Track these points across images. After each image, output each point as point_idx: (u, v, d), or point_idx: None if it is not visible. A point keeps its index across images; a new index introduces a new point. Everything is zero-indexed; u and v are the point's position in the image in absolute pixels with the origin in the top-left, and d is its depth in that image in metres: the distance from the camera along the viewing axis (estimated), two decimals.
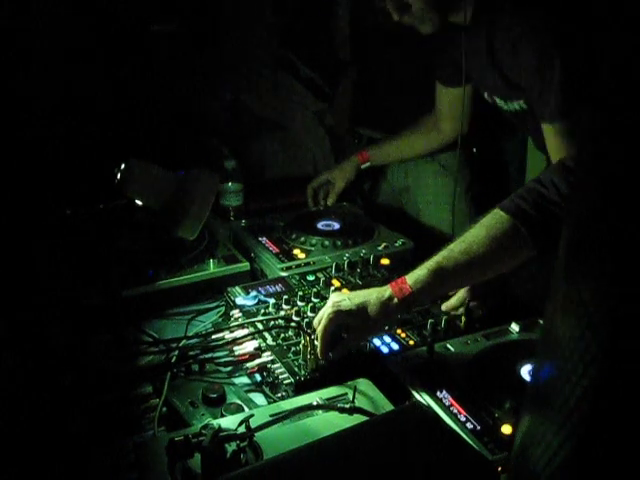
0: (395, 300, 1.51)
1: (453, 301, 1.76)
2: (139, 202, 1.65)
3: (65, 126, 2.25)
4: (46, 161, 2.10)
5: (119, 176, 1.62)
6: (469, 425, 1.33)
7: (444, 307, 1.78)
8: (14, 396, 1.51)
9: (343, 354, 1.54)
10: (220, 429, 1.23)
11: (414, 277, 1.53)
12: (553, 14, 1.70)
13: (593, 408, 0.65)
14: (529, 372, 1.47)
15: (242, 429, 1.24)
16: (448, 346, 1.59)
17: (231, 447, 1.22)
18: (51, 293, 1.86)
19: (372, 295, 1.54)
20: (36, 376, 1.59)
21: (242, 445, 1.23)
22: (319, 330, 1.52)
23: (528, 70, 1.76)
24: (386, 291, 1.53)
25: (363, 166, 2.54)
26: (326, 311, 1.52)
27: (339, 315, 1.50)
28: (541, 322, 1.69)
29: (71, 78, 2.34)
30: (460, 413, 1.36)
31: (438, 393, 1.42)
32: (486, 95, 2.05)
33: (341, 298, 1.53)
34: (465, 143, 2.47)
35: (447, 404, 1.39)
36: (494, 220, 1.53)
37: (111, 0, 2.56)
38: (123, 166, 1.62)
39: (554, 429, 0.68)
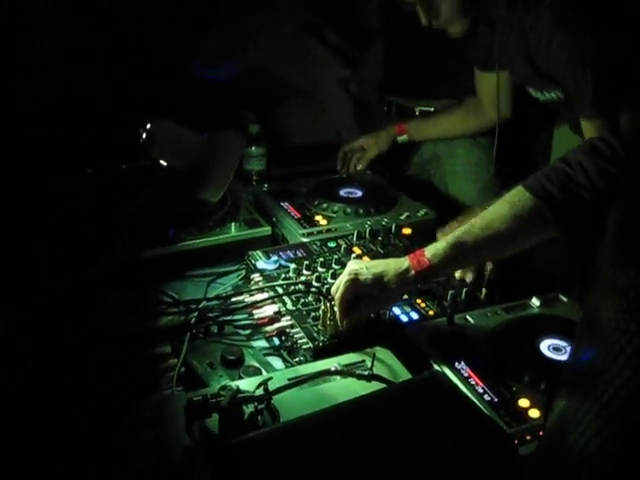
0: (412, 272, 1.50)
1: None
2: (163, 162, 1.65)
3: (92, 86, 2.24)
4: (72, 120, 2.09)
5: (144, 136, 1.62)
6: (486, 397, 1.33)
7: (458, 274, 1.77)
8: (35, 353, 1.53)
9: (359, 322, 1.54)
10: (238, 390, 1.24)
11: (433, 250, 1.51)
12: (587, 10, 1.66)
13: (635, 395, 0.65)
14: (549, 347, 1.47)
15: (260, 391, 1.25)
16: (468, 317, 1.59)
17: (249, 409, 1.23)
18: (71, 252, 1.87)
19: (390, 266, 1.53)
20: (55, 334, 1.60)
21: (260, 407, 1.24)
22: (336, 298, 1.52)
23: (562, 65, 1.71)
24: (404, 262, 1.52)
25: (400, 139, 2.51)
26: (343, 279, 1.52)
27: (356, 284, 1.50)
28: (562, 297, 1.68)
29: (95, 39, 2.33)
30: (478, 385, 1.36)
31: (456, 364, 1.42)
32: (517, 81, 2.02)
33: (359, 267, 1.53)
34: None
35: (465, 375, 1.39)
36: (517, 198, 1.51)
37: None
38: (149, 126, 1.62)
39: (593, 412, 0.68)
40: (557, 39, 1.69)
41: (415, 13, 2.37)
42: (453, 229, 1.68)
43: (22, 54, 2.13)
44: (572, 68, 1.68)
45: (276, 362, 1.55)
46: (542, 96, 1.93)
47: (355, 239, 1.97)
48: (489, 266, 1.76)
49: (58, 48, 2.25)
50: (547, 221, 1.47)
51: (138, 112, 1.73)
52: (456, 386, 1.30)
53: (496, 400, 1.32)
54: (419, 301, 1.68)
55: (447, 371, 1.40)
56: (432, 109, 2.56)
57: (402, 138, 2.51)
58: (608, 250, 0.68)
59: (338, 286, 1.53)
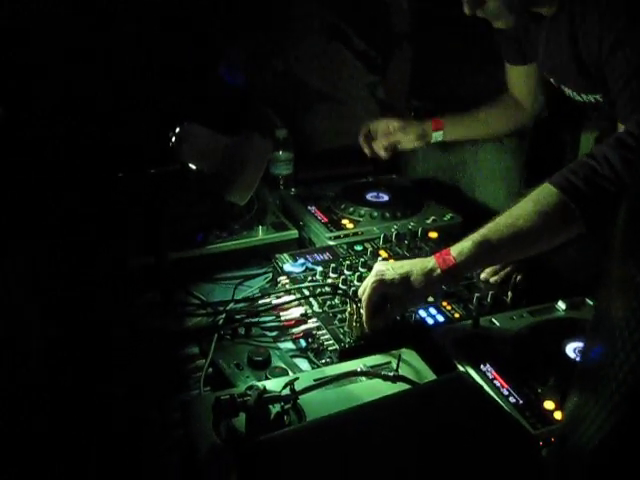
0: (438, 271, 1.51)
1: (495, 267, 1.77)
2: (192, 166, 1.67)
3: (123, 90, 2.27)
4: (101, 123, 2.13)
5: (173, 140, 1.64)
6: (511, 399, 1.33)
7: (484, 275, 1.78)
8: (59, 358, 1.56)
9: (386, 323, 1.55)
10: (265, 390, 1.25)
11: (458, 249, 1.52)
12: None
13: (634, 387, 0.66)
14: (575, 350, 1.47)
15: (286, 391, 1.26)
16: (493, 320, 1.59)
17: (275, 409, 1.24)
18: (102, 254, 1.90)
19: (416, 265, 1.54)
20: (86, 334, 1.63)
21: (286, 407, 1.25)
22: (363, 299, 1.53)
23: (611, 71, 1.67)
24: (430, 262, 1.53)
25: (435, 134, 2.32)
26: (370, 280, 1.53)
27: (382, 284, 1.51)
28: (589, 301, 1.67)
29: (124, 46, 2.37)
30: (503, 387, 1.37)
31: (482, 366, 1.43)
32: (553, 81, 1.98)
33: (385, 268, 1.54)
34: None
35: (490, 377, 1.39)
36: (542, 194, 1.50)
37: None
38: (178, 130, 1.64)
39: (600, 405, 0.69)
40: (609, 44, 1.64)
41: (444, 18, 2.37)
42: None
43: (48, 56, 2.17)
44: (624, 77, 1.63)
45: (302, 364, 1.56)
46: (579, 97, 1.89)
47: (381, 242, 1.98)
48: (519, 275, 1.76)
49: (77, 50, 2.29)
50: (573, 216, 1.46)
51: (168, 116, 1.76)
52: (481, 387, 1.31)
53: (521, 402, 1.33)
54: (445, 304, 1.69)
55: (472, 373, 1.40)
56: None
57: (437, 134, 2.33)
58: (617, 247, 0.68)
59: (365, 287, 1.54)
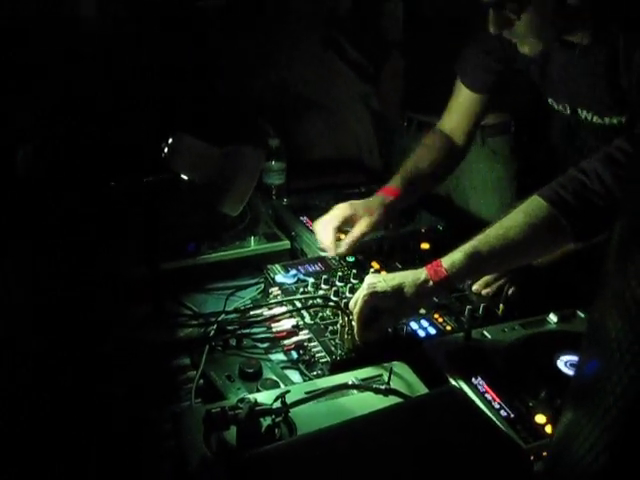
0: (430, 283, 1.52)
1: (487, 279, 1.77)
2: (184, 176, 1.67)
3: (113, 101, 2.27)
4: (94, 134, 2.12)
5: (166, 150, 1.64)
6: (503, 413, 1.33)
7: (475, 286, 1.78)
8: (54, 365, 1.55)
9: (378, 336, 1.55)
10: (256, 403, 1.25)
11: (450, 260, 1.53)
12: None
13: (633, 401, 0.66)
14: (567, 363, 1.47)
15: (278, 404, 1.26)
16: (485, 333, 1.59)
17: (266, 422, 1.24)
18: (93, 264, 1.90)
19: (408, 277, 1.54)
20: (75, 345, 1.62)
21: (277, 420, 1.25)
22: (355, 312, 1.53)
23: None
24: (422, 273, 1.54)
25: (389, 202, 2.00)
26: (361, 293, 1.53)
27: (374, 297, 1.51)
28: (580, 314, 1.68)
29: (123, 60, 2.37)
30: (494, 400, 1.37)
31: (473, 379, 1.42)
32: (567, 106, 1.89)
33: (376, 280, 1.54)
34: (517, 130, 2.46)
35: (482, 390, 1.39)
36: (533, 207, 1.52)
37: None
38: (170, 140, 1.64)
39: (594, 421, 0.69)
40: None
41: (436, 28, 2.37)
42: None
43: (47, 56, 2.17)
44: None
45: (294, 375, 1.56)
46: (601, 120, 1.80)
47: (374, 253, 1.98)
48: (510, 287, 1.77)
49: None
50: (563, 229, 1.48)
51: (160, 126, 1.76)
52: (472, 401, 1.31)
53: (512, 416, 1.33)
54: (437, 316, 1.69)
55: (464, 386, 1.40)
56: None
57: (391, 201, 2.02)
58: (611, 262, 0.69)
59: (356, 300, 1.54)
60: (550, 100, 1.93)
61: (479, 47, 1.98)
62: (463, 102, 2.08)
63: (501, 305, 1.73)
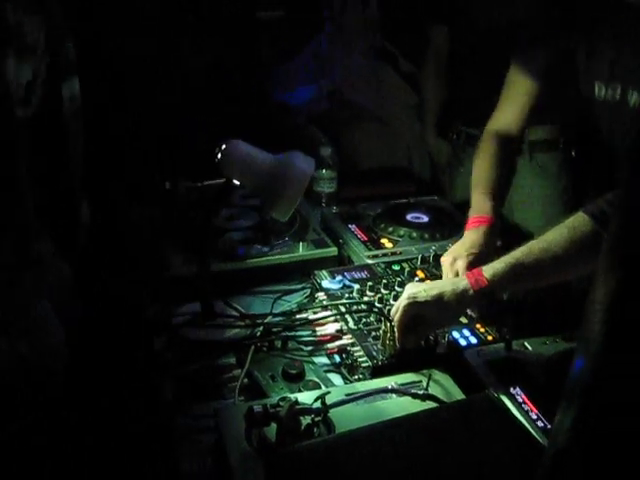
0: (471, 292, 1.54)
1: None
2: (237, 182, 1.72)
3: (174, 107, 2.35)
4: (153, 139, 2.20)
5: (220, 156, 1.69)
6: (540, 423, 1.34)
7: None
8: (107, 360, 1.61)
9: (418, 343, 1.58)
10: (297, 402, 1.30)
11: (492, 270, 1.55)
12: None
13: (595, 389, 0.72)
14: None
15: (318, 404, 1.30)
16: (526, 344, 1.61)
17: (306, 420, 1.28)
18: (146, 262, 1.96)
19: (447, 286, 1.56)
20: (128, 341, 1.68)
21: (316, 419, 1.29)
22: (395, 320, 1.55)
23: None
24: (462, 282, 1.56)
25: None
26: (402, 302, 1.55)
27: (415, 306, 1.54)
28: None
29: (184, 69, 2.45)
30: (532, 411, 1.38)
31: (512, 389, 1.44)
32: (618, 89, 1.75)
33: (417, 290, 1.56)
34: (565, 145, 2.45)
35: (520, 401, 1.40)
36: (577, 223, 1.53)
37: None
38: (224, 146, 1.70)
39: (571, 412, 0.74)
40: None
41: (482, 41, 2.35)
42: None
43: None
44: None
45: (335, 379, 1.59)
46: None
47: (419, 263, 2.00)
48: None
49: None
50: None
51: (216, 133, 1.81)
52: (508, 408, 1.33)
53: (549, 427, 1.34)
54: (478, 326, 1.70)
55: (502, 395, 1.42)
56: None
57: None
58: (602, 260, 0.72)
59: (397, 308, 1.56)
60: (597, 86, 1.79)
61: (532, 31, 1.94)
62: (518, 91, 2.00)
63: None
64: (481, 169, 1.99)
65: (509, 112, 2.01)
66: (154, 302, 1.83)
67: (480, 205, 1.89)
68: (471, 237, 1.83)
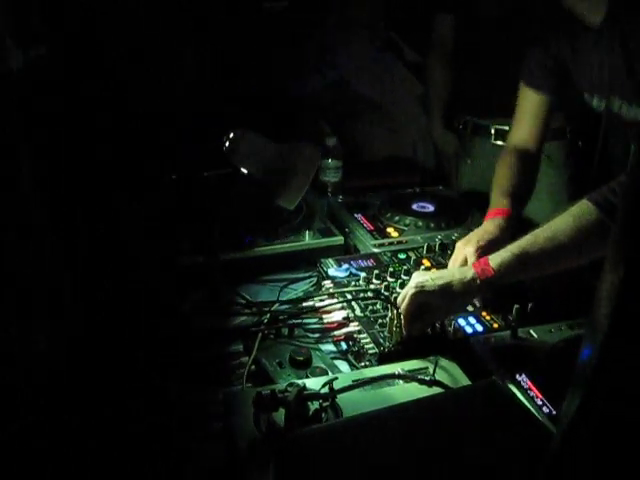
0: (478, 281, 1.55)
1: None
2: (244, 170, 1.73)
3: (178, 98, 2.36)
4: (159, 129, 2.21)
5: (227, 144, 1.70)
6: (545, 409, 1.36)
7: None
8: (118, 347, 1.63)
9: (425, 330, 1.60)
10: (305, 388, 1.31)
11: (498, 259, 1.56)
12: None
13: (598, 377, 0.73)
14: None
15: (325, 390, 1.32)
16: (531, 332, 1.62)
17: (314, 406, 1.30)
18: (155, 251, 1.98)
19: (455, 275, 1.58)
20: (135, 326, 1.70)
21: (324, 405, 1.30)
22: (402, 308, 1.57)
23: None
24: (469, 271, 1.57)
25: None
26: (409, 291, 1.56)
27: (422, 295, 1.55)
28: None
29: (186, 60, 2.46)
30: (537, 397, 1.39)
31: (517, 376, 1.45)
32: (599, 100, 1.92)
33: (424, 278, 1.58)
34: (572, 135, 2.46)
35: (525, 387, 1.42)
36: (582, 211, 1.55)
37: None
38: (231, 135, 1.71)
39: (578, 396, 0.76)
40: None
41: (488, 30, 2.37)
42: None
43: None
44: None
45: (342, 366, 1.61)
46: (631, 113, 1.82)
47: (425, 252, 2.01)
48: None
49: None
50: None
51: (222, 122, 1.82)
52: (514, 393, 1.34)
53: (554, 413, 1.35)
54: (484, 314, 1.72)
55: (508, 382, 1.43)
56: (507, 127, 2.57)
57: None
58: (610, 252, 0.73)
59: (404, 296, 1.58)
60: (586, 96, 1.94)
61: (539, 48, 2.00)
62: (531, 108, 2.07)
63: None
64: (500, 179, 2.05)
65: (524, 129, 2.09)
66: (163, 290, 1.84)
67: (497, 202, 1.96)
68: (486, 226, 1.88)
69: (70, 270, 1.68)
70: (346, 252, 2.13)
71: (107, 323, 1.70)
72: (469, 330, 1.66)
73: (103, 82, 2.19)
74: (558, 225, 1.56)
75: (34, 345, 1.50)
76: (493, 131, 2.62)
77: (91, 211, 1.87)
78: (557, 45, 1.94)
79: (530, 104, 2.07)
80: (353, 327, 1.68)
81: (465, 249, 1.77)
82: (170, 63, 2.47)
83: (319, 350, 1.65)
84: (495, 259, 1.56)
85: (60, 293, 1.64)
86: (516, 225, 1.90)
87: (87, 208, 1.86)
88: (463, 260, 1.75)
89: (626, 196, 0.77)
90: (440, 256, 2.00)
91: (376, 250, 2.04)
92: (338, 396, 1.33)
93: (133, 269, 1.87)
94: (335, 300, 1.76)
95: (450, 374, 1.46)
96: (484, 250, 1.73)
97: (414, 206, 2.33)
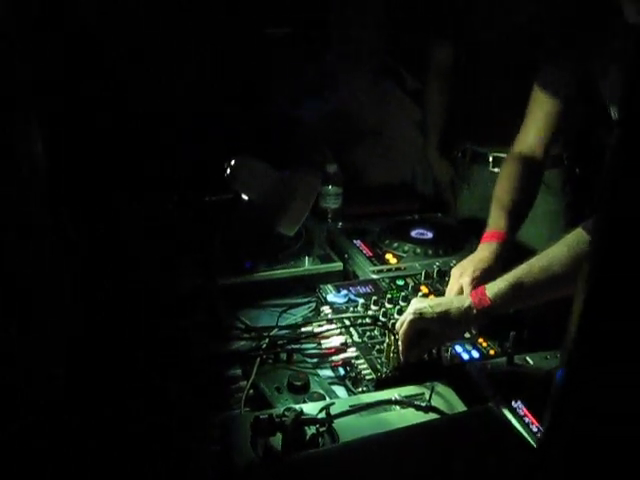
0: (474, 310, 1.58)
1: None
2: (245, 196, 1.76)
3: (181, 122, 2.38)
4: (161, 153, 2.23)
5: (228, 171, 1.73)
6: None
7: None
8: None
9: (421, 357, 1.61)
10: (302, 413, 1.32)
11: (494, 290, 1.59)
12: None
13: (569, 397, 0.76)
14: None
15: (322, 415, 1.33)
16: (528, 359, 1.63)
17: (310, 430, 1.31)
18: (153, 276, 1.99)
19: (453, 304, 1.60)
20: (136, 350, 1.71)
21: (321, 430, 1.31)
22: (400, 334, 1.59)
23: None
24: (466, 300, 1.59)
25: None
26: (408, 317, 1.58)
27: (420, 321, 1.57)
28: None
29: (185, 79, 2.49)
30: (533, 424, 1.40)
31: (513, 403, 1.46)
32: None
33: (422, 305, 1.60)
34: (570, 162, 2.48)
35: (521, 414, 1.43)
36: (577, 240, 1.58)
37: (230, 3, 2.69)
38: (233, 162, 1.74)
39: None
40: None
41: (487, 57, 2.37)
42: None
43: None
44: None
45: (340, 391, 1.62)
46: None
47: (423, 278, 2.03)
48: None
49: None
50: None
51: (225, 148, 1.85)
52: (509, 421, 1.35)
53: None
54: (481, 340, 1.73)
55: (504, 409, 1.44)
56: (505, 155, 2.59)
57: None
58: (582, 272, 0.75)
59: (402, 322, 1.60)
60: (613, 110, 1.86)
61: (558, 59, 1.96)
62: (542, 114, 2.02)
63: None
64: (503, 188, 2.03)
65: (532, 134, 2.04)
66: (162, 313, 1.86)
67: (496, 220, 1.95)
68: (481, 253, 1.87)
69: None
70: (345, 278, 2.15)
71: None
72: (465, 356, 1.67)
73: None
74: (553, 254, 1.58)
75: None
76: (491, 159, 2.63)
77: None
78: (583, 57, 1.88)
79: (541, 110, 2.02)
80: (351, 353, 1.69)
81: (461, 279, 1.78)
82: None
83: (317, 375, 1.66)
84: (492, 289, 1.58)
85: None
86: (511, 248, 1.91)
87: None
88: (459, 290, 1.76)
89: (595, 226, 0.80)
90: (438, 283, 2.01)
91: (375, 276, 2.05)
92: (335, 421, 1.34)
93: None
94: (333, 326, 1.78)
95: (446, 400, 1.47)
96: (479, 279, 1.74)
97: (413, 233, 2.34)
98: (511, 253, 2.03)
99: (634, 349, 0.71)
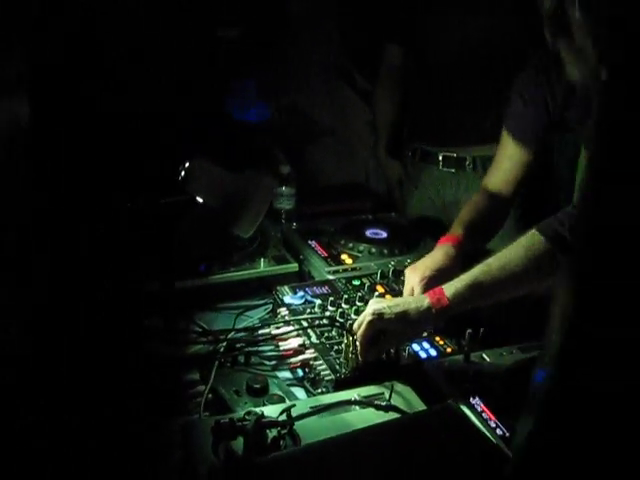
0: (433, 310, 1.60)
1: None
2: (200, 199, 1.75)
3: (136, 126, 2.36)
4: (115, 157, 2.20)
5: (183, 174, 1.72)
6: (498, 431, 1.39)
7: None
8: (72, 375, 1.61)
9: (380, 356, 1.62)
10: (263, 416, 1.32)
11: (452, 290, 1.61)
12: None
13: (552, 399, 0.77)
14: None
15: (283, 417, 1.33)
16: (484, 356, 1.66)
17: (272, 433, 1.31)
18: (108, 279, 1.96)
19: (411, 304, 1.62)
20: (91, 356, 1.68)
21: (282, 432, 1.31)
22: (359, 334, 1.59)
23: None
24: (424, 300, 1.61)
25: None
26: (366, 317, 1.59)
27: (379, 322, 1.58)
28: None
29: (140, 83, 2.46)
30: (490, 419, 1.42)
31: (471, 399, 1.48)
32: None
33: (381, 305, 1.61)
34: None
35: (479, 410, 1.45)
36: (532, 242, 1.63)
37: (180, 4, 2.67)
38: (187, 165, 1.72)
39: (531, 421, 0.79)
40: None
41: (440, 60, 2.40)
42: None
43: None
44: None
45: (299, 392, 1.62)
46: None
47: (379, 278, 2.04)
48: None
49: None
50: (560, 264, 1.55)
51: (178, 151, 1.84)
52: (467, 416, 1.37)
53: (508, 434, 1.38)
54: (437, 338, 1.75)
55: (462, 405, 1.46)
56: (454, 155, 2.62)
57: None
58: (559, 280, 0.77)
59: (361, 323, 1.60)
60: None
61: (524, 97, 1.93)
62: (509, 155, 2.01)
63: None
64: (463, 213, 2.05)
65: (500, 175, 2.04)
66: (118, 318, 1.83)
67: (454, 228, 1.97)
68: (434, 253, 1.90)
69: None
70: (301, 279, 2.15)
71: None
72: (423, 355, 1.69)
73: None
74: (510, 255, 1.63)
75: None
76: (441, 158, 2.66)
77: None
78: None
79: (509, 151, 2.01)
80: (309, 354, 1.69)
81: (413, 278, 1.80)
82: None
83: (276, 377, 1.65)
84: (449, 289, 1.61)
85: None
86: (467, 254, 1.91)
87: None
88: (412, 289, 1.78)
89: (576, 231, 0.82)
90: (394, 282, 2.03)
91: (331, 277, 2.06)
92: (296, 423, 1.34)
93: (88, 298, 1.86)
94: (291, 327, 1.78)
95: (406, 399, 1.48)
96: (431, 280, 1.76)
97: (367, 233, 2.35)
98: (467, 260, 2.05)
99: (621, 353, 0.73)
